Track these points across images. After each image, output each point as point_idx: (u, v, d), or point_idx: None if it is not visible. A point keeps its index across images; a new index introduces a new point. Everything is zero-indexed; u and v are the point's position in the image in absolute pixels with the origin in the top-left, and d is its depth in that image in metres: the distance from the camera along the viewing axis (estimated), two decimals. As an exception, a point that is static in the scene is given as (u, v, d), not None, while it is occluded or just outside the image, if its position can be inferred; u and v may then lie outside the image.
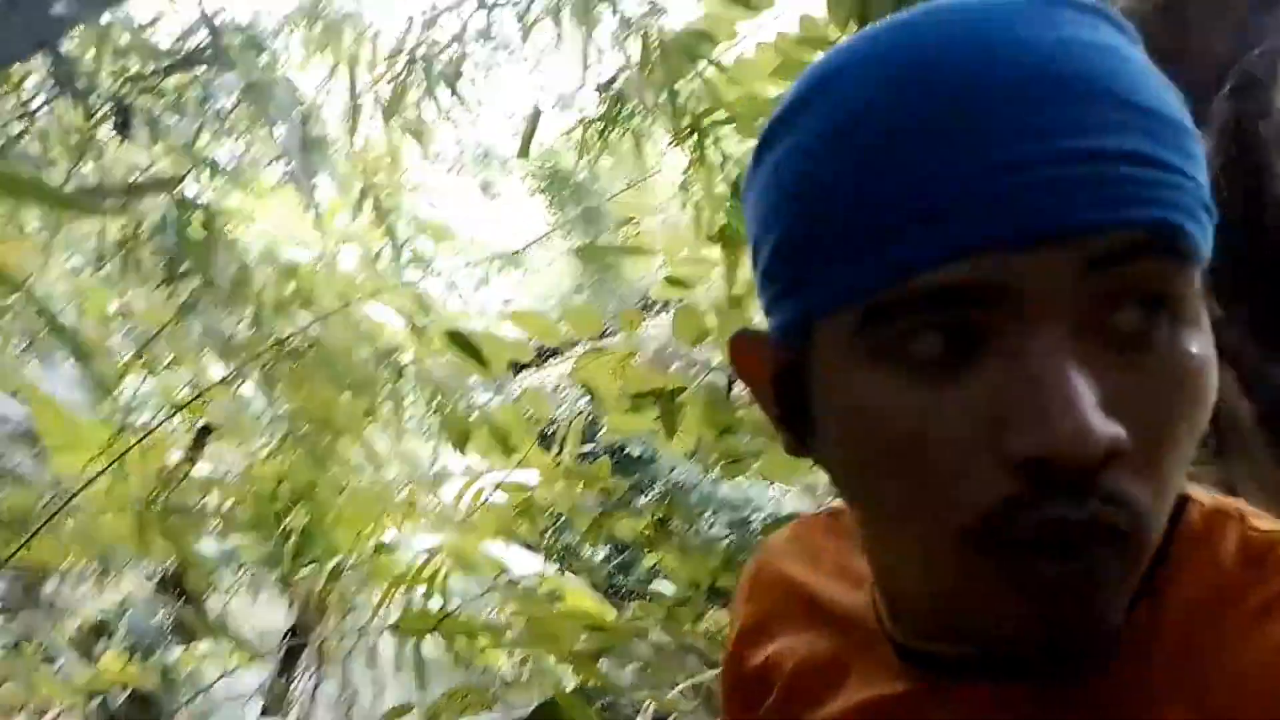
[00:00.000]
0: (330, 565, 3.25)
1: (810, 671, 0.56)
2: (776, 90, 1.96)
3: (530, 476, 3.00)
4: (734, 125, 1.81)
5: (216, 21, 1.56)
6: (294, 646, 4.46)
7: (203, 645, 3.22)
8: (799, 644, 0.57)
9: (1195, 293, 0.40)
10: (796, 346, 0.44)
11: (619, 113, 1.71)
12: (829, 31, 1.95)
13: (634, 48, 1.77)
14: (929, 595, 0.44)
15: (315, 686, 4.35)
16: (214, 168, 1.59)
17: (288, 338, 1.65)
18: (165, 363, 1.92)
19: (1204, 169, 0.40)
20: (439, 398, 2.40)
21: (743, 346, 0.49)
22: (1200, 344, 0.40)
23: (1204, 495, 0.46)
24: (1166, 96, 0.40)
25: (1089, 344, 0.38)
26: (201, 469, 2.42)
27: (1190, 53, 1.01)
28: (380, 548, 3.46)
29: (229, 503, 2.50)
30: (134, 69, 1.52)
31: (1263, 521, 0.45)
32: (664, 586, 3.10)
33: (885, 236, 0.39)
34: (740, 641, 0.62)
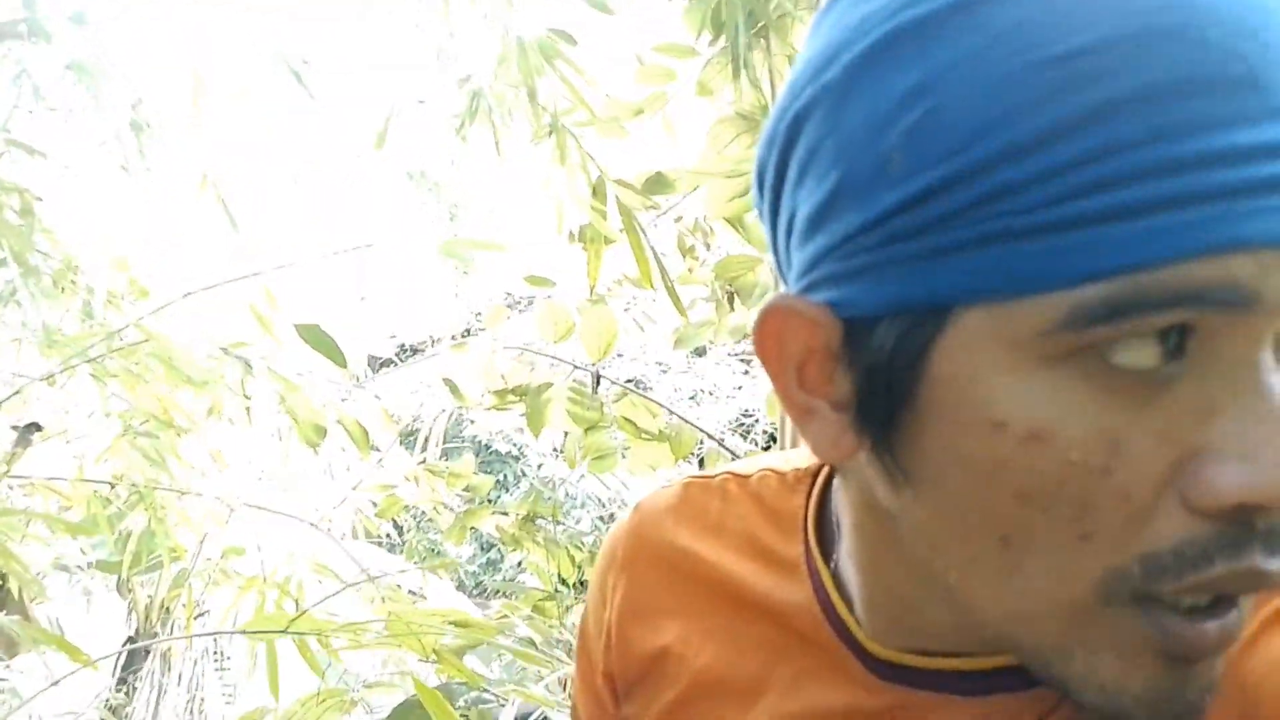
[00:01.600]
0: (173, 569, 3.09)
1: (731, 668, 0.49)
2: (634, 93, 2.00)
3: (391, 476, 2.95)
4: (593, 126, 1.83)
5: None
6: (134, 656, 4.22)
7: (30, 658, 3.01)
8: (710, 632, 0.51)
9: None
10: (901, 328, 0.35)
11: (477, 108, 1.70)
12: (688, 39, 2.01)
13: (492, 45, 1.77)
14: (1026, 638, 0.37)
15: (159, 697, 4.13)
16: (31, 149, 1.48)
17: (120, 330, 1.55)
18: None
19: None
20: (289, 396, 2.32)
21: (777, 316, 0.38)
22: None
23: None
24: None
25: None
26: (26, 470, 2.26)
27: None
28: (229, 551, 3.31)
29: (59, 506, 2.34)
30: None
31: None
32: (530, 582, 3.10)
33: (1131, 213, 0.30)
34: (624, 619, 0.54)
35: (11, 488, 2.19)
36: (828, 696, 0.46)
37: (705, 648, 0.51)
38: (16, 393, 1.57)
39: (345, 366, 2.32)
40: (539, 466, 8.24)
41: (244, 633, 1.75)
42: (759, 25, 1.89)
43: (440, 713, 1.28)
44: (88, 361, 1.52)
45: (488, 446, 7.88)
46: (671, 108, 2.14)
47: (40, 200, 1.43)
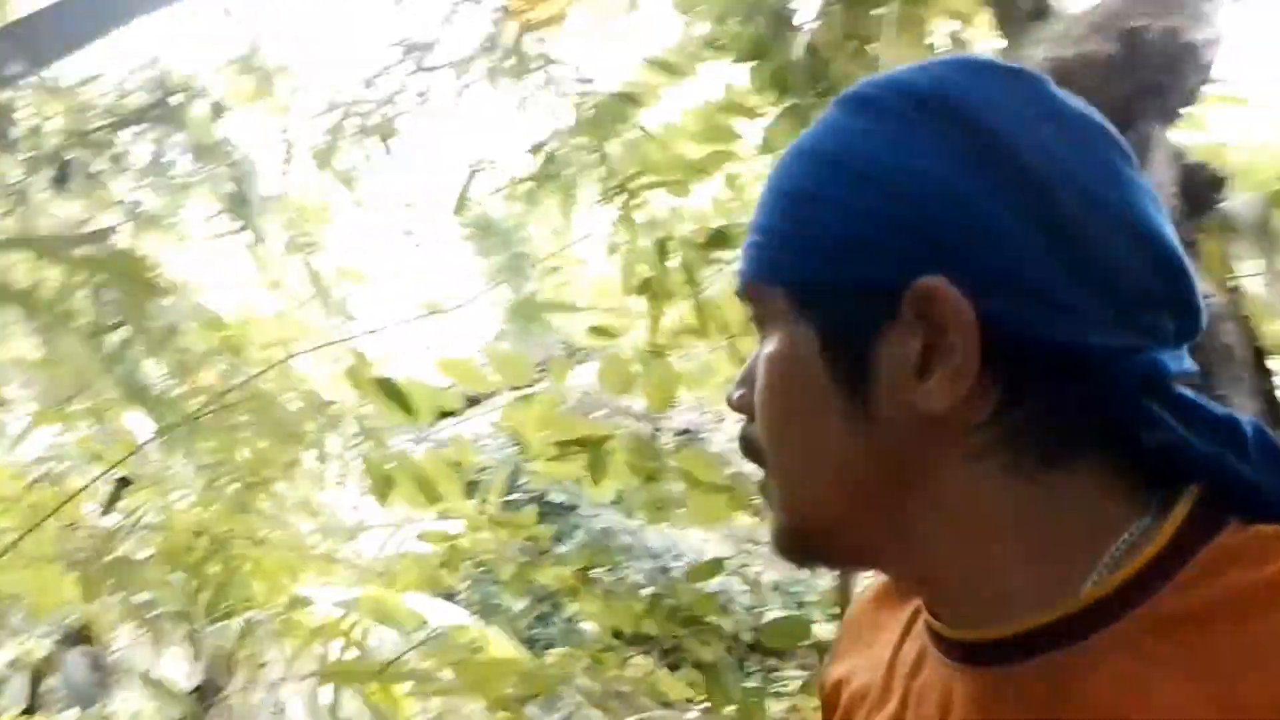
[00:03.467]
0: (244, 619, 3.15)
1: (874, 683, 0.61)
2: (700, 153, 2.07)
3: (454, 525, 2.98)
4: (661, 187, 1.90)
5: (155, 72, 1.58)
6: (199, 704, 4.28)
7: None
8: (867, 662, 0.63)
9: (775, 311, 0.54)
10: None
11: (550, 172, 1.78)
12: (751, 99, 2.08)
13: (565, 111, 1.85)
14: None
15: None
16: (148, 220, 1.59)
17: (225, 392, 1.64)
18: (83, 414, 1.89)
19: (804, 216, 0.52)
20: (362, 446, 2.39)
21: None
22: (768, 352, 0.54)
23: (1269, 529, 0.47)
24: (801, 171, 0.54)
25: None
26: (114, 520, 2.35)
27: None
28: (296, 601, 3.37)
29: (143, 554, 2.43)
30: (72, 122, 1.52)
31: None
32: (587, 630, 3.09)
33: None
34: (834, 663, 0.69)
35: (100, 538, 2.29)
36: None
37: (860, 674, 0.63)
38: (131, 454, 1.67)
39: (419, 420, 2.40)
40: (592, 518, 8.23)
41: (319, 677, 1.80)
42: (823, 87, 1.95)
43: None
44: (187, 420, 1.61)
45: (542, 497, 7.91)
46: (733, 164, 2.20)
47: (158, 268, 1.54)
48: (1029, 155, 0.48)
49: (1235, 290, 1.03)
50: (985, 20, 1.96)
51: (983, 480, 0.49)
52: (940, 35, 2.10)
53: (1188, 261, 0.50)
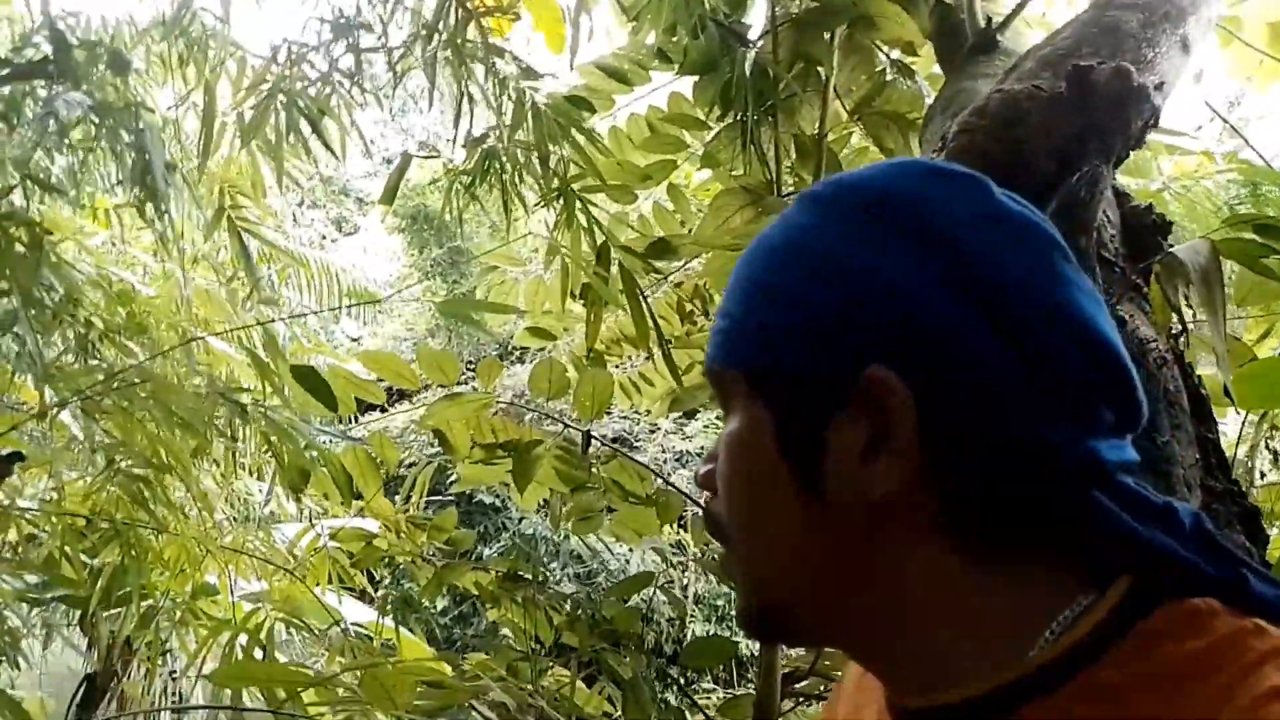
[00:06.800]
0: (141, 607, 3.02)
1: None
2: (645, 160, 2.03)
3: (370, 524, 2.88)
4: (603, 193, 1.84)
5: (65, 29, 1.47)
6: (89, 694, 4.09)
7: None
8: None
9: (736, 392, 0.57)
10: None
11: (488, 168, 1.72)
12: (696, 110, 2.05)
13: (508, 106, 1.79)
14: None
15: (114, 741, 4.01)
16: (44, 184, 1.48)
17: (121, 371, 1.54)
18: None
19: (762, 306, 0.55)
20: (276, 437, 2.29)
21: None
22: (729, 431, 0.57)
23: (1199, 602, 0.49)
24: (762, 264, 0.57)
25: None
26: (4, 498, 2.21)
27: (1022, 169, 1.12)
28: (200, 590, 3.23)
29: (35, 537, 2.29)
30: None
31: (1226, 622, 0.47)
32: (508, 635, 3.02)
33: None
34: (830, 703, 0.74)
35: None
36: None
37: None
38: (13, 428, 1.55)
39: (336, 410, 2.30)
40: (520, 521, 8.15)
41: (214, 678, 1.70)
42: (767, 104, 1.93)
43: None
44: (84, 399, 1.50)
45: (470, 497, 7.80)
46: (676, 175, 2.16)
47: (50, 235, 1.44)
48: (974, 254, 0.51)
49: (1179, 336, 1.02)
50: (930, 50, 1.96)
51: (931, 562, 0.51)
52: (886, 61, 2.10)
53: (1126, 354, 0.52)
